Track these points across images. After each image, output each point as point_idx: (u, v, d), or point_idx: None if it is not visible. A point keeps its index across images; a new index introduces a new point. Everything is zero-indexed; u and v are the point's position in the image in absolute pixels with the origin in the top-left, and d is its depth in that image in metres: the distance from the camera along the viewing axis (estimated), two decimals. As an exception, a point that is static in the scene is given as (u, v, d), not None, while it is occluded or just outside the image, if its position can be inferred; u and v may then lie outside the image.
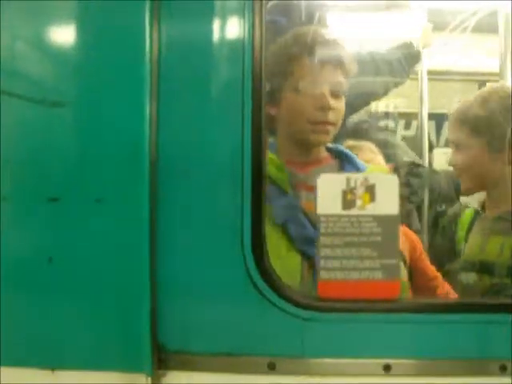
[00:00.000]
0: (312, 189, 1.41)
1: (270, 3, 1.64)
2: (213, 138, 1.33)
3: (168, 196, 1.31)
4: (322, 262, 1.32)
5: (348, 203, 1.32)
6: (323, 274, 1.32)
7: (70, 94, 1.32)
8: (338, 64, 1.67)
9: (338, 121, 1.68)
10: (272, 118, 1.69)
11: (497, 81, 2.61)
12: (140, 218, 1.29)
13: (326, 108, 1.64)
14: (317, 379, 1.30)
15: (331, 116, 1.65)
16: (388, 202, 1.32)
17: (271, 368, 1.30)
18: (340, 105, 1.68)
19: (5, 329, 1.30)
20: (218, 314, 1.32)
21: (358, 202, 1.32)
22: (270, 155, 1.64)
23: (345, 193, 1.32)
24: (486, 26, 2.52)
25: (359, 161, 1.76)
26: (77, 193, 1.30)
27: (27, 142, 1.32)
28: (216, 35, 1.34)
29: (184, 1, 1.34)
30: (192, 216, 1.32)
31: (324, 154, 1.76)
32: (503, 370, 1.29)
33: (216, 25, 1.34)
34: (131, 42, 1.31)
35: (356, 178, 1.33)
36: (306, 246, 1.58)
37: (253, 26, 1.32)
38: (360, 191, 1.32)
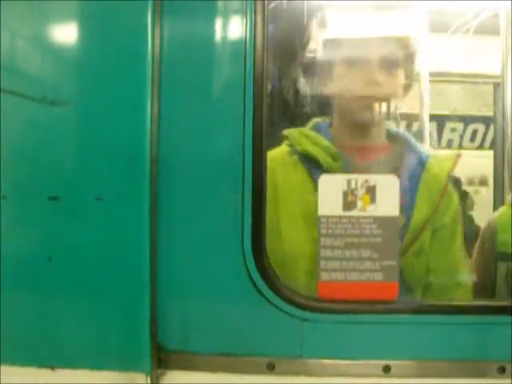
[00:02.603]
0: None
1: (273, 3, 1.64)
2: (214, 138, 1.33)
3: (168, 195, 1.31)
4: (322, 263, 1.32)
5: (349, 204, 1.32)
6: (323, 275, 1.32)
7: (70, 92, 1.32)
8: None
9: (389, 97, 1.59)
10: (325, 103, 1.63)
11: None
12: (140, 217, 1.29)
13: (372, 81, 1.55)
14: (316, 380, 1.30)
15: (379, 91, 1.56)
16: (388, 203, 1.32)
17: (270, 368, 1.30)
18: (393, 81, 1.59)
19: (5, 327, 1.30)
20: (217, 313, 1.32)
21: (359, 204, 1.32)
22: (325, 143, 1.57)
23: (345, 194, 1.32)
24: (488, 28, 2.51)
25: (422, 148, 1.66)
26: (77, 191, 1.30)
27: (27, 141, 1.32)
28: (218, 35, 1.33)
29: (186, 0, 1.34)
30: (192, 215, 1.32)
31: (383, 140, 1.65)
32: (502, 371, 1.29)
33: (218, 24, 1.34)
34: (133, 41, 1.31)
35: (356, 179, 1.33)
36: None
37: (255, 25, 1.32)
38: (361, 192, 1.32)
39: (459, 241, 1.64)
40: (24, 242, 1.32)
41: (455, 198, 1.64)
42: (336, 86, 1.61)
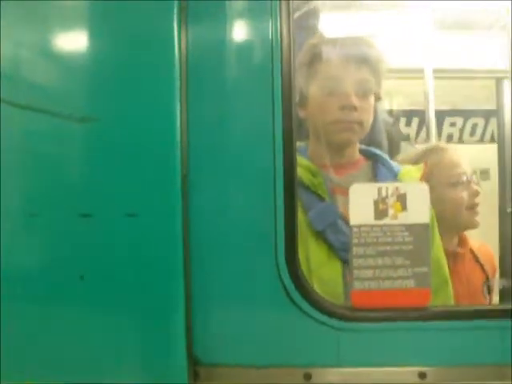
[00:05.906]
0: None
1: (297, 3, 1.63)
2: (243, 146, 1.32)
3: (200, 208, 1.31)
4: (355, 272, 1.32)
5: (380, 213, 1.32)
6: (357, 284, 1.32)
7: (98, 107, 1.31)
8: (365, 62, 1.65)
9: (364, 120, 1.65)
10: (302, 121, 1.68)
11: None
12: (173, 232, 1.28)
13: (349, 107, 1.62)
14: (352, 388, 1.31)
15: (356, 115, 1.63)
16: (419, 210, 1.33)
17: (307, 378, 1.30)
18: (366, 104, 1.66)
19: (38, 346, 1.30)
20: (252, 325, 1.32)
21: (390, 212, 1.32)
22: (304, 161, 1.64)
23: (376, 202, 1.32)
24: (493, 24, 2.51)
25: (393, 162, 1.75)
26: (108, 208, 1.29)
27: (58, 158, 1.30)
28: (244, 36, 1.33)
29: (211, 2, 1.33)
30: (224, 226, 1.32)
31: (357, 156, 1.74)
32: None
33: (243, 26, 1.33)
34: (159, 44, 1.29)
35: (387, 187, 1.33)
36: (347, 252, 1.50)
37: (280, 26, 1.31)
38: (391, 200, 1.32)
39: (438, 243, 1.69)
40: (56, 260, 1.31)
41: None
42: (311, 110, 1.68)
